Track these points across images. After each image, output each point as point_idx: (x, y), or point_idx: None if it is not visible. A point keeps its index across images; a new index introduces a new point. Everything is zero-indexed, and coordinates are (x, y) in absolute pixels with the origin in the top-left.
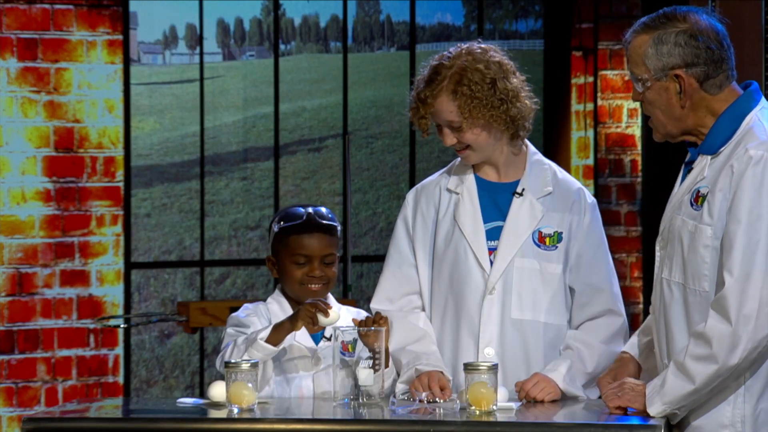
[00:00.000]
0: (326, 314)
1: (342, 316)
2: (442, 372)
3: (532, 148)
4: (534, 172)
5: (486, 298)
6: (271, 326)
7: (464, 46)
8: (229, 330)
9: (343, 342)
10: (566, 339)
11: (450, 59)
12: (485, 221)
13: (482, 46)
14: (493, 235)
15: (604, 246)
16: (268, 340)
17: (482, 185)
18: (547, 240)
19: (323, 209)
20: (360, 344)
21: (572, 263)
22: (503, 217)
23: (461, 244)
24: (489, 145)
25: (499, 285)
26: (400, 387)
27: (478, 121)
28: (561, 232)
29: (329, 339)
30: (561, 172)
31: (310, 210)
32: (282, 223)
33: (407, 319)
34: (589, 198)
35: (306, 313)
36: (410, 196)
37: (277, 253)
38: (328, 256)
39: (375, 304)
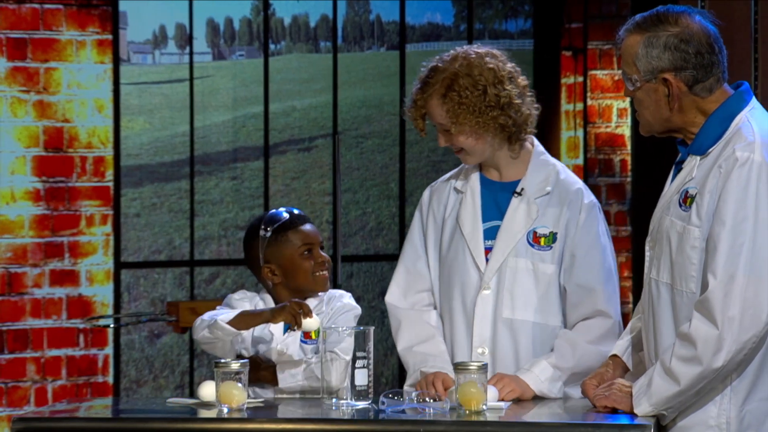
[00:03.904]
0: (310, 316)
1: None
2: (447, 373)
3: (539, 147)
4: (536, 172)
5: (479, 296)
6: (240, 311)
7: (462, 49)
8: (218, 307)
9: (305, 332)
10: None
11: (445, 63)
12: (485, 220)
13: (479, 51)
14: (491, 234)
15: (599, 246)
16: (234, 324)
17: (486, 185)
18: (542, 240)
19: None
20: (348, 342)
21: (566, 263)
22: (502, 217)
23: (461, 242)
24: (480, 148)
25: (493, 284)
26: (407, 390)
27: (464, 127)
28: (556, 233)
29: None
30: (564, 172)
31: (283, 209)
32: (271, 226)
33: (420, 317)
34: (587, 198)
35: (290, 311)
36: (426, 195)
37: (276, 255)
38: (322, 242)
39: (389, 299)
